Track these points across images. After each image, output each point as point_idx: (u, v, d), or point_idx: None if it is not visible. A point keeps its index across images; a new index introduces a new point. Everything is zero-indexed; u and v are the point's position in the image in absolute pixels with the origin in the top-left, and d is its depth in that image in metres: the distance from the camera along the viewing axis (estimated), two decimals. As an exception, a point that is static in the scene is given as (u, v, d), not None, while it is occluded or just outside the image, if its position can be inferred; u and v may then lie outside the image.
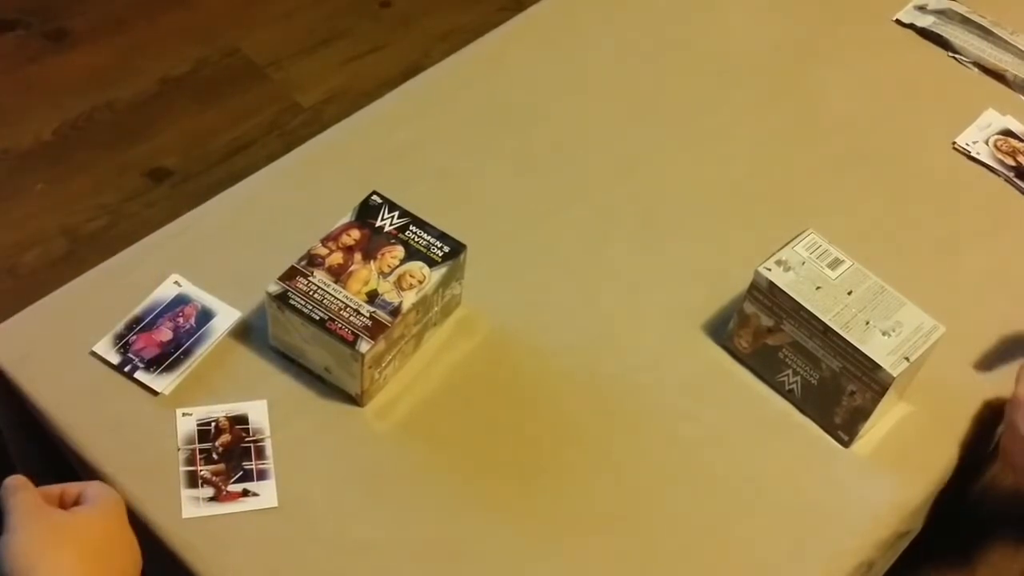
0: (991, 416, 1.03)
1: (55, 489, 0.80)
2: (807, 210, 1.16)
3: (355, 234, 0.98)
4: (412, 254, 0.97)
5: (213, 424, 0.93)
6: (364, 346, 0.90)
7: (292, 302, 0.93)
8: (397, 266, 0.96)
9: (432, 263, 0.97)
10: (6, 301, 1.04)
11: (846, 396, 0.96)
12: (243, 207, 1.11)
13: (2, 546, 0.72)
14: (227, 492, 0.89)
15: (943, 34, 1.38)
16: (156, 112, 2.11)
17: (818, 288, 0.97)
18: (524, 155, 1.19)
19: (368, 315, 0.92)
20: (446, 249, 0.98)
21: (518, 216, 1.13)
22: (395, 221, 1.00)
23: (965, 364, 1.06)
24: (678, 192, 1.18)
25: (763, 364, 1.02)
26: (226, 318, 1.00)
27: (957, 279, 1.14)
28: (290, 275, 0.94)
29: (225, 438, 0.92)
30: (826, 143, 1.25)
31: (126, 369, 0.95)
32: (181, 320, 0.99)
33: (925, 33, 1.39)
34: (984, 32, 1.39)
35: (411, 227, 0.99)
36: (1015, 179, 1.23)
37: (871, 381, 0.94)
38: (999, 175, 1.24)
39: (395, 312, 0.93)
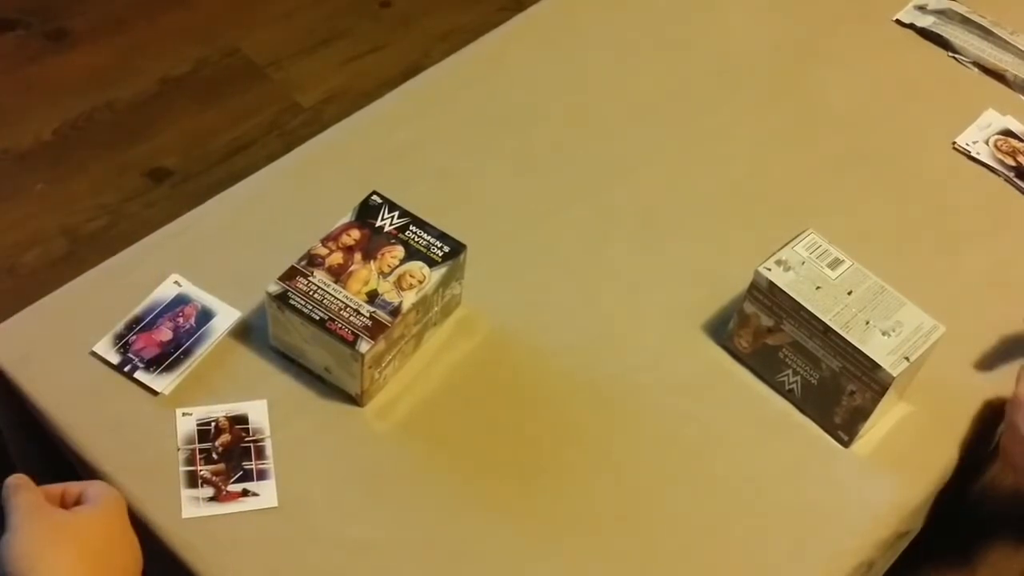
0: (991, 416, 1.03)
1: (56, 488, 0.80)
2: (807, 210, 1.16)
3: (355, 234, 0.98)
4: (412, 254, 0.97)
5: (213, 424, 0.93)
6: (364, 346, 0.90)
7: (292, 302, 0.93)
8: (397, 266, 0.96)
9: (432, 263, 0.97)
10: (6, 301, 1.04)
11: (846, 396, 0.96)
12: (243, 207, 1.11)
13: (3, 545, 0.72)
14: (227, 492, 0.89)
15: (943, 34, 1.38)
16: (156, 112, 2.10)
17: (818, 288, 0.97)
18: (524, 155, 1.19)
19: (368, 315, 0.92)
20: (446, 249, 0.98)
21: (518, 216, 1.13)
22: (395, 221, 1.00)
23: (965, 364, 1.06)
24: (678, 192, 1.18)
25: (763, 364, 1.02)
26: (226, 318, 1.00)
27: (957, 279, 1.14)
28: (290, 275, 0.94)
29: (225, 438, 0.92)
30: (826, 143, 1.25)
31: (126, 369, 0.95)
32: (181, 320, 0.99)
33: (925, 33, 1.39)
34: (984, 32, 1.39)
35: (411, 227, 0.99)
36: (1015, 179, 1.23)
37: (871, 381, 0.94)
38: (999, 175, 1.24)
39: (395, 312, 0.93)
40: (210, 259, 1.05)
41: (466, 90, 1.25)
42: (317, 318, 0.92)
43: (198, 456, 0.91)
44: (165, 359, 0.96)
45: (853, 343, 0.93)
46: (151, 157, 2.03)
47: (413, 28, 2.33)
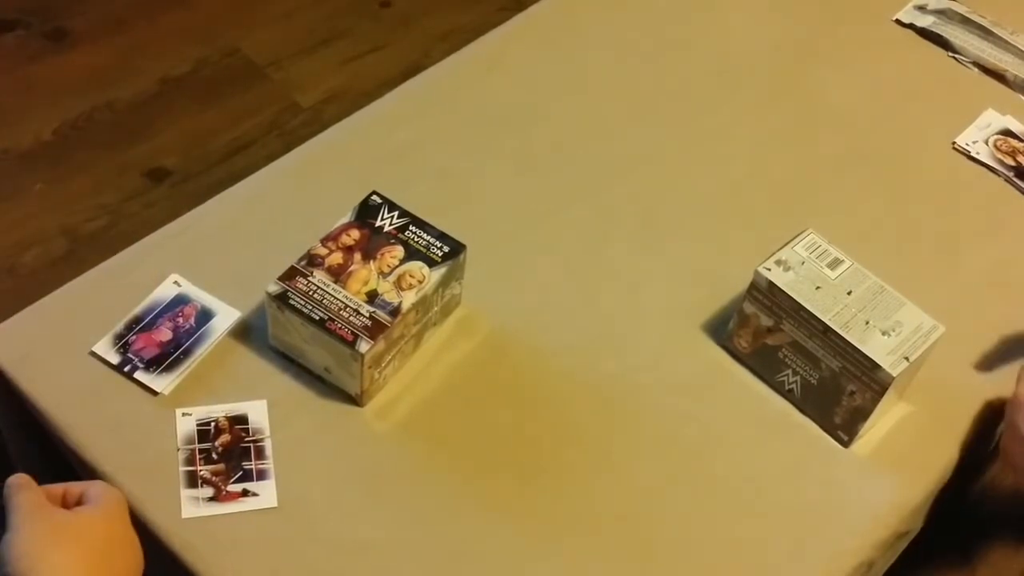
0: (991, 416, 1.03)
1: (58, 488, 0.80)
2: (807, 210, 1.16)
3: (355, 234, 0.98)
4: (412, 254, 0.97)
5: (213, 424, 0.93)
6: (364, 346, 0.90)
7: (292, 302, 0.93)
8: (397, 266, 0.96)
9: (432, 263, 0.97)
10: (6, 301, 1.04)
11: (846, 396, 0.96)
12: (243, 207, 1.11)
13: (4, 545, 0.72)
14: (227, 492, 0.89)
15: (943, 34, 1.38)
16: (156, 112, 2.11)
17: (818, 288, 0.96)
18: (524, 155, 1.19)
19: (368, 315, 0.92)
20: (446, 249, 0.98)
21: (518, 216, 1.13)
22: (395, 221, 1.00)
23: (965, 364, 1.06)
24: (678, 192, 1.18)
25: (763, 364, 1.02)
26: (226, 318, 1.00)
27: (957, 279, 1.14)
28: (290, 275, 0.94)
29: (225, 438, 0.92)
30: (826, 143, 1.25)
31: (126, 369, 0.95)
32: (181, 320, 0.99)
33: (925, 33, 1.39)
34: (984, 32, 1.39)
35: (411, 227, 0.99)
36: (1015, 179, 1.23)
37: (871, 381, 0.94)
38: (999, 175, 1.24)
39: (395, 312, 0.93)
40: (210, 259, 1.05)
41: (466, 90, 1.25)
42: (317, 318, 0.92)
43: (198, 456, 0.91)
44: (165, 359, 0.96)
45: (853, 343, 0.93)
46: (151, 157, 2.03)
47: (413, 28, 2.33)
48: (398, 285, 0.95)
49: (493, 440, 0.97)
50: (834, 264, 0.98)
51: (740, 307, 1.01)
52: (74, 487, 0.80)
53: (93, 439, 0.91)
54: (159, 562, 0.85)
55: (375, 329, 0.92)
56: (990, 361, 1.06)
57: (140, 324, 0.98)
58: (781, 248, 0.99)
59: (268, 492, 0.90)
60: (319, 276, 0.94)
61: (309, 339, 0.93)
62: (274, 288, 0.93)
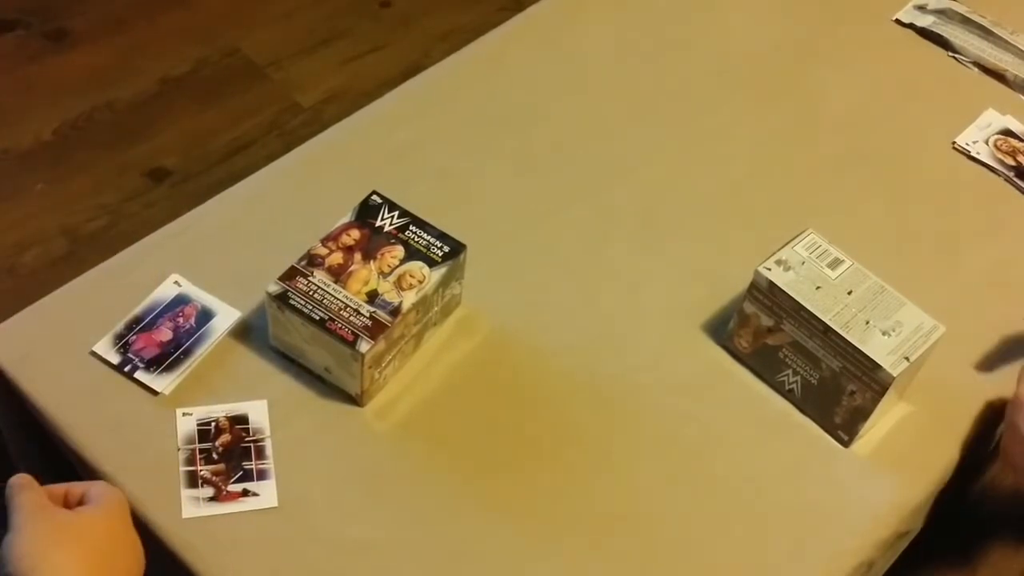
0: (991, 416, 1.03)
1: (60, 488, 0.80)
2: (807, 210, 1.16)
3: (355, 234, 0.98)
4: (412, 254, 0.97)
5: (213, 424, 0.93)
6: (364, 346, 0.90)
7: (292, 302, 0.93)
8: (397, 266, 0.96)
9: (432, 263, 0.97)
10: (6, 301, 1.04)
11: (846, 396, 0.96)
12: (243, 207, 1.11)
13: (6, 545, 0.72)
14: (227, 492, 0.89)
15: (943, 34, 1.38)
16: (156, 112, 2.11)
17: (818, 288, 0.97)
18: (524, 155, 1.19)
19: (368, 315, 0.92)
20: (446, 249, 0.98)
21: (518, 216, 1.13)
22: (395, 221, 1.00)
23: (965, 364, 1.06)
24: (678, 192, 1.18)
25: (763, 364, 1.02)
26: (226, 318, 1.00)
27: (957, 279, 1.14)
28: (290, 275, 0.94)
29: (225, 438, 0.92)
30: (826, 143, 1.25)
31: (126, 369, 0.95)
32: (181, 320, 0.99)
33: (925, 33, 1.39)
34: (984, 32, 1.39)
35: (411, 227, 0.99)
36: (1015, 179, 1.23)
37: (871, 381, 0.94)
38: (999, 175, 1.24)
39: (395, 312, 0.93)
40: (210, 259, 1.05)
41: (466, 90, 1.25)
42: (317, 318, 0.92)
43: (198, 456, 0.91)
44: (165, 359, 0.96)
45: (853, 343, 0.93)
46: (151, 157, 2.03)
47: (413, 28, 2.33)
48: (398, 285, 0.95)
49: (493, 440, 0.97)
50: (834, 264, 0.98)
51: (740, 307, 1.01)
52: (76, 487, 0.80)
53: (93, 439, 0.91)
54: (160, 562, 0.85)
55: (375, 329, 0.92)
56: (990, 361, 1.06)
57: (140, 324, 0.98)
58: (781, 248, 0.99)
59: (268, 492, 0.90)
60: (319, 276, 0.94)
61: (309, 339, 0.93)
62: (274, 288, 0.93)
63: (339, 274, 0.95)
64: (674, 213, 1.16)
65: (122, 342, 0.97)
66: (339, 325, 0.91)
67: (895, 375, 0.92)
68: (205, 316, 1.00)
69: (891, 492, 0.97)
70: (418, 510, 0.91)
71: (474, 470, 0.95)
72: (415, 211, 1.01)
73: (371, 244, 0.98)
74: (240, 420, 0.94)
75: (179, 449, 0.91)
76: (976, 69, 1.35)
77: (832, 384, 0.97)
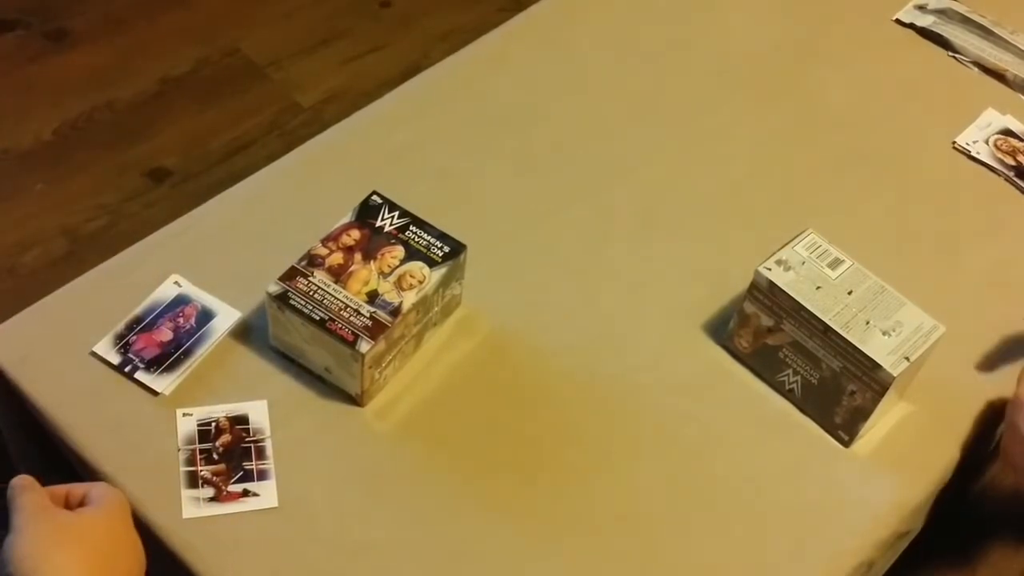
0: (992, 416, 1.03)
1: (61, 489, 0.80)
2: (807, 210, 1.16)
3: (355, 234, 0.98)
4: (412, 254, 0.97)
5: (213, 424, 0.93)
6: (364, 346, 0.90)
7: (292, 302, 0.93)
8: (397, 266, 0.96)
9: (432, 263, 0.97)
10: (6, 301, 1.04)
11: (846, 396, 0.96)
12: (243, 207, 1.11)
13: (7, 546, 0.72)
14: (227, 492, 0.89)
15: (943, 34, 1.38)
16: (156, 112, 2.11)
17: (818, 288, 0.97)
18: (524, 155, 1.19)
19: (368, 315, 0.92)
20: (446, 249, 0.98)
21: (518, 216, 1.13)
22: (395, 221, 1.00)
23: (965, 364, 1.06)
24: (678, 192, 1.18)
25: (763, 364, 1.02)
26: (226, 318, 1.00)
27: (957, 279, 1.14)
28: (290, 275, 0.94)
29: (225, 438, 0.92)
30: (826, 143, 1.25)
31: (126, 369, 0.95)
32: (181, 320, 0.99)
33: (925, 33, 1.39)
34: (984, 32, 1.39)
35: (411, 227, 0.99)
36: (1015, 179, 1.23)
37: (871, 381, 0.94)
38: (999, 175, 1.24)
39: (395, 312, 0.93)
40: (210, 259, 1.05)
41: (466, 90, 1.25)
42: (317, 318, 0.92)
43: (198, 456, 0.91)
44: (165, 359, 0.96)
45: (853, 343, 0.93)
46: (151, 157, 2.03)
47: (413, 28, 2.33)
48: (398, 285, 0.95)
49: (493, 440, 0.97)
50: (834, 264, 0.98)
51: (740, 307, 1.01)
52: (77, 488, 0.81)
53: (94, 439, 0.91)
54: (160, 562, 0.85)
55: (376, 329, 0.92)
56: (990, 361, 1.06)
57: (141, 324, 0.98)
58: (781, 248, 0.99)
59: (269, 492, 0.90)
60: (319, 276, 0.94)
61: (309, 339, 0.93)
62: (274, 288, 0.93)
63: (339, 274, 0.95)
64: (674, 213, 1.16)
65: (122, 342, 0.97)
66: (339, 325, 0.91)
67: (895, 375, 0.92)
68: (205, 316, 1.00)
69: (891, 492, 0.97)
70: (418, 510, 0.91)
71: (474, 470, 0.95)
72: (415, 211, 1.01)
73: (371, 244, 0.98)
74: (240, 420, 0.94)
75: (179, 449, 0.91)
76: (976, 69, 1.35)
77: (832, 384, 0.97)
